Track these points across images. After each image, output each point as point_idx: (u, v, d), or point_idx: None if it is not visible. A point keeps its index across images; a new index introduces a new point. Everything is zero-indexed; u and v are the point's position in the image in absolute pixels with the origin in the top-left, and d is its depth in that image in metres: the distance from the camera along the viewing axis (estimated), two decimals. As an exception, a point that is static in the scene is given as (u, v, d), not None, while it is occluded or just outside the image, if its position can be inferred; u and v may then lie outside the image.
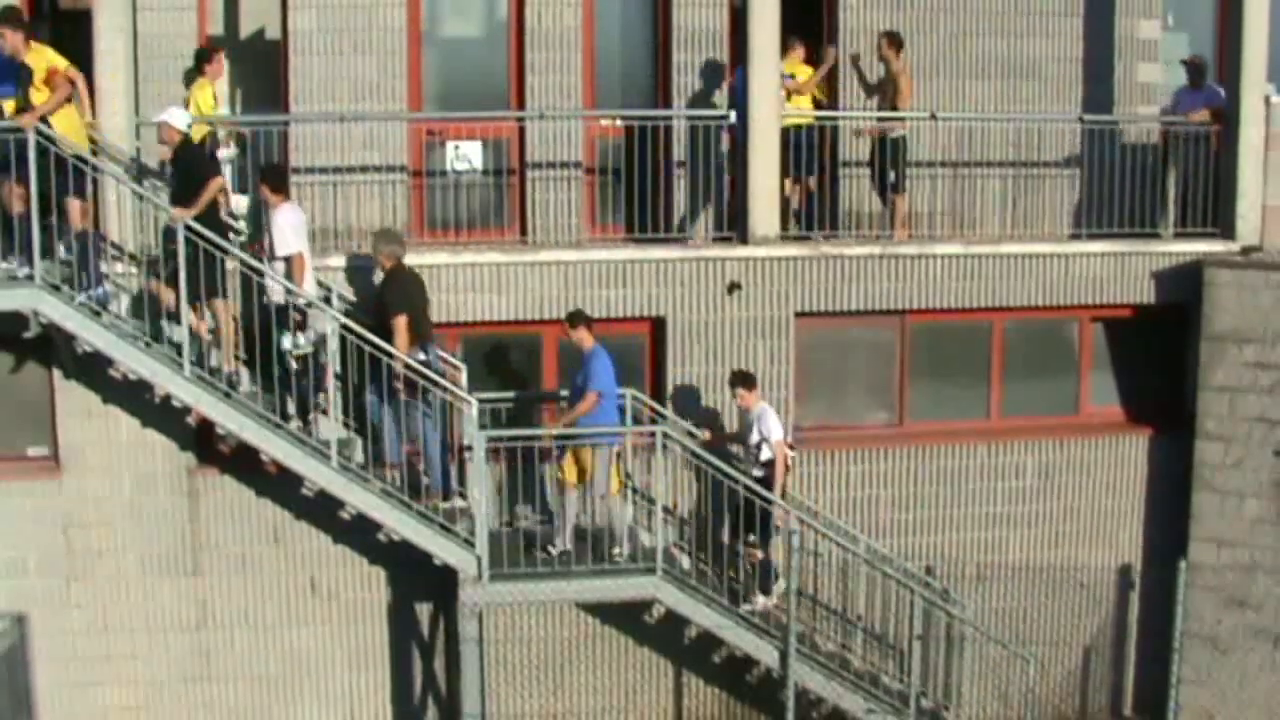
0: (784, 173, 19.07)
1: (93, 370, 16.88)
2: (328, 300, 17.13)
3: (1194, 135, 20.28)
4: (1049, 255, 19.59)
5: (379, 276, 17.17)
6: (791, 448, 17.81)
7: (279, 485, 17.23)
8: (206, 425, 16.84)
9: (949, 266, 19.20)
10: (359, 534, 17.31)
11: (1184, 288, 19.66)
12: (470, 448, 16.53)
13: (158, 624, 17.95)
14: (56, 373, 17.32)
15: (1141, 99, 21.35)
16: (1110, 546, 20.18)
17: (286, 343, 16.46)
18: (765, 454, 17.46)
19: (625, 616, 18.04)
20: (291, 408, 16.76)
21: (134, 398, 16.98)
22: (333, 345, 16.47)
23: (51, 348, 16.94)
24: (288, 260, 16.65)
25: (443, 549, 16.68)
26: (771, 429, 17.45)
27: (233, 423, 16.41)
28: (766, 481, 17.36)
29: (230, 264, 16.57)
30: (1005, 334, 19.87)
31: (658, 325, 18.64)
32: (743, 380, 17.74)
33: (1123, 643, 20.20)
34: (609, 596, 17.27)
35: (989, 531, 19.70)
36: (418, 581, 17.85)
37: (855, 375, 19.77)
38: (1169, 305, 19.98)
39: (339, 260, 17.91)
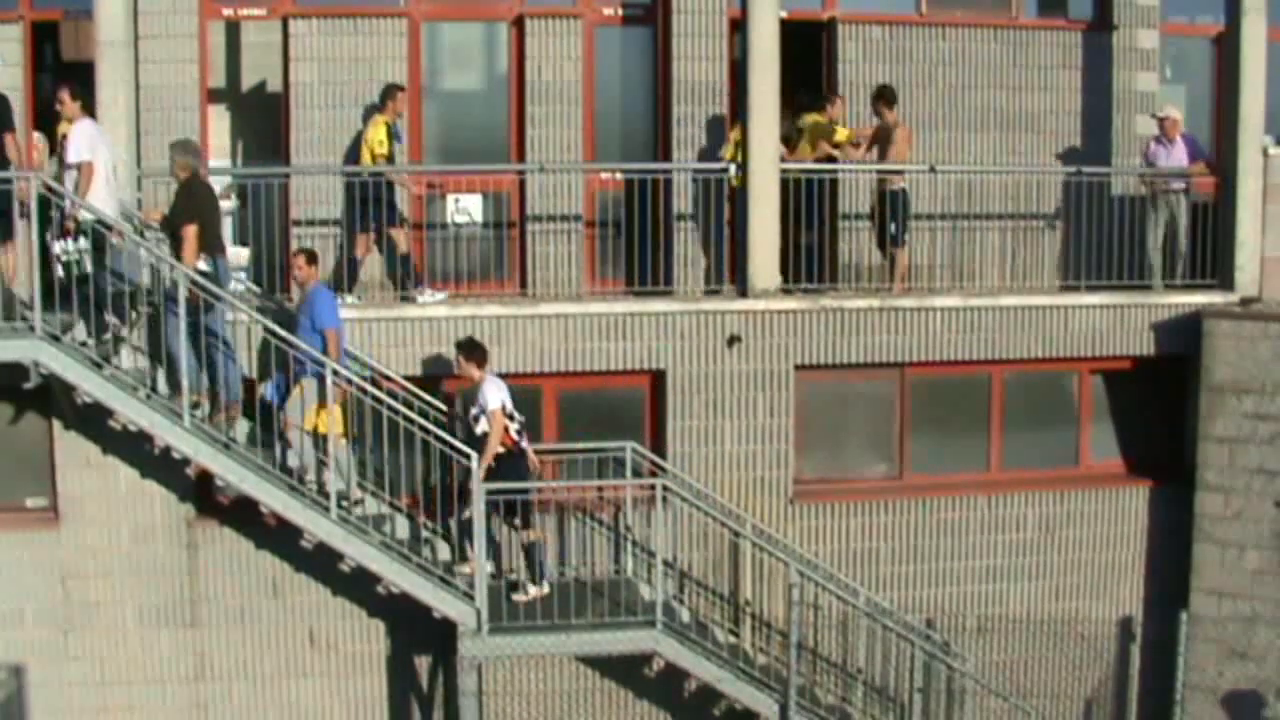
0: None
1: (92, 421, 16.86)
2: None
3: (1186, 186, 20.38)
4: (1048, 307, 19.61)
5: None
6: (511, 418, 17.16)
7: (278, 537, 17.17)
8: (205, 476, 16.85)
9: (948, 319, 19.23)
10: (358, 586, 17.26)
11: (1183, 339, 19.68)
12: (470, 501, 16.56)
13: (155, 676, 17.88)
14: (56, 423, 17.32)
15: (1140, 151, 21.43)
16: (1111, 599, 20.14)
17: (56, 248, 16.20)
18: (482, 426, 16.97)
19: (625, 670, 17.96)
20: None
21: (133, 448, 16.96)
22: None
23: (51, 398, 16.93)
24: (78, 169, 16.52)
25: (442, 602, 16.64)
26: (489, 398, 16.92)
27: (233, 474, 16.38)
28: (504, 459, 16.97)
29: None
30: (1005, 386, 19.88)
31: (658, 378, 18.64)
32: (468, 351, 17.18)
33: (1124, 695, 20.13)
34: (608, 650, 17.21)
35: (989, 584, 19.66)
36: (417, 634, 17.79)
37: (855, 428, 19.77)
38: (1168, 357, 19.99)
39: (341, 313, 17.89)
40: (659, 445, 18.59)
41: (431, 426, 16.40)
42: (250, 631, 18.01)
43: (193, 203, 16.76)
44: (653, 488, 17.12)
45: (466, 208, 19.60)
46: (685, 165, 19.58)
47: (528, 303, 18.63)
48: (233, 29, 20.24)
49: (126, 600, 17.72)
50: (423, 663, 18.32)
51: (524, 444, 17.22)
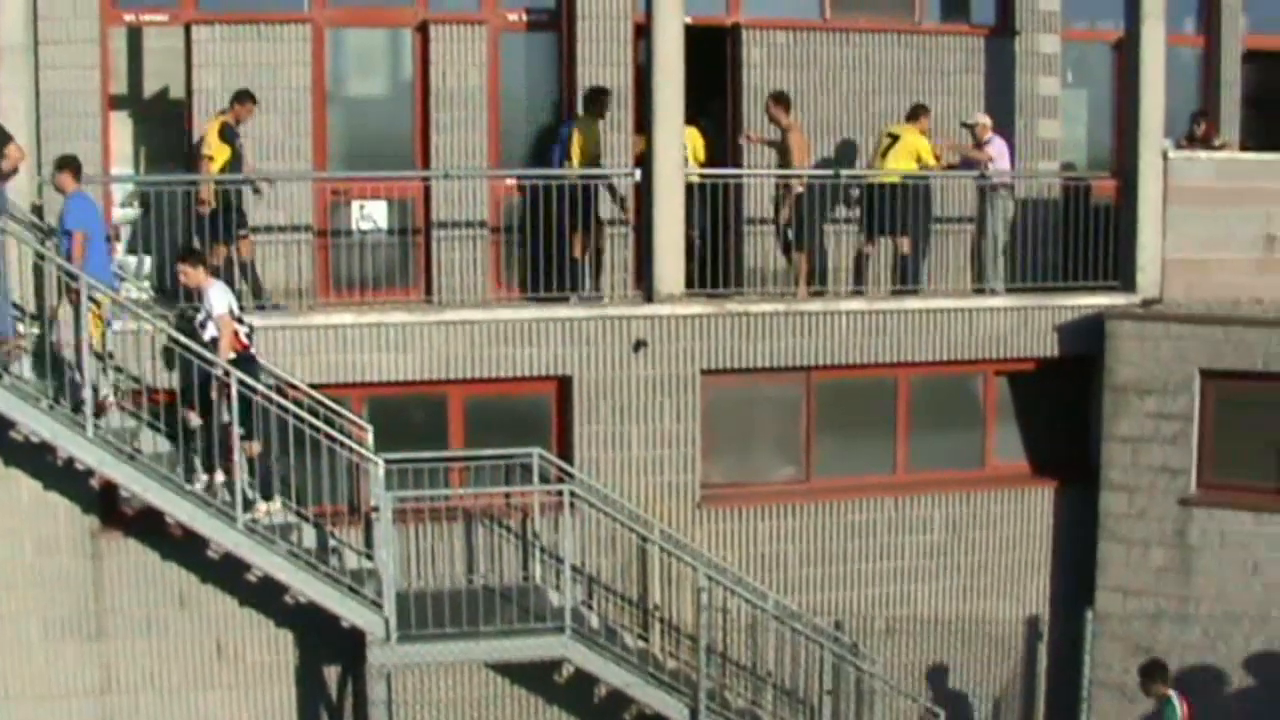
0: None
1: (-7, 432, 16.69)
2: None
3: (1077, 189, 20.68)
4: (952, 310, 19.77)
5: None
6: (240, 321, 16.90)
7: (184, 547, 17.00)
8: (110, 487, 16.66)
9: (853, 323, 19.33)
10: (266, 596, 17.12)
11: (1086, 340, 19.90)
12: (377, 508, 16.47)
13: (60, 690, 17.66)
14: (-44, 436, 17.13)
15: (1042, 155, 21.63)
16: (1018, 598, 20.32)
17: None
18: (210, 331, 16.65)
19: (535, 676, 17.92)
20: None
21: (36, 460, 16.75)
22: None
23: (-49, 411, 16.73)
24: None
25: (350, 611, 16.56)
26: (214, 302, 16.57)
27: (136, 485, 16.23)
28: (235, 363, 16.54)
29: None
30: (910, 389, 20.01)
31: (564, 384, 18.65)
32: (186, 257, 16.91)
33: (1032, 693, 20.30)
34: (518, 657, 17.17)
35: (897, 585, 19.79)
36: (326, 644, 17.68)
37: (762, 432, 19.85)
38: (1072, 358, 20.19)
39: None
40: (566, 451, 18.58)
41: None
42: (157, 643, 17.84)
43: None
44: (560, 494, 17.11)
45: (371, 214, 19.51)
46: (589, 171, 19.47)
47: (433, 309, 18.61)
48: (135, 34, 20.00)
49: (30, 613, 17.49)
50: (332, 672, 18.23)
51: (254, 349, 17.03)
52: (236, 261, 18.47)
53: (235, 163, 18.42)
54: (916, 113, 20.40)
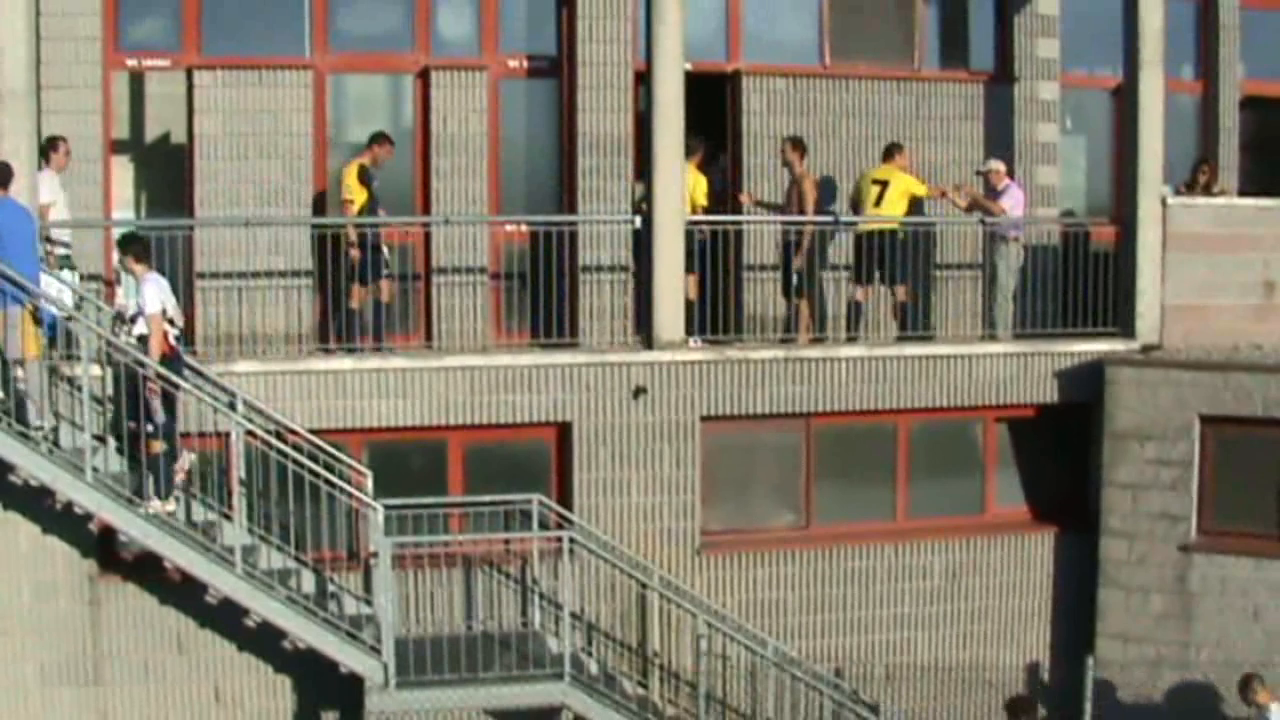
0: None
1: (-10, 477, 16.66)
2: None
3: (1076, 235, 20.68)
4: (952, 356, 19.78)
5: None
6: (171, 323, 16.63)
7: (183, 592, 16.95)
8: (109, 531, 16.64)
9: (853, 369, 19.34)
10: (264, 641, 17.05)
11: (1086, 387, 19.91)
12: (376, 554, 16.45)
13: (58, 735, 17.65)
14: (-46, 480, 17.10)
15: (1041, 201, 21.67)
16: (1018, 645, 20.27)
17: None
18: (140, 328, 16.45)
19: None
20: None
21: (35, 504, 16.71)
22: None
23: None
24: None
25: (349, 656, 16.50)
26: (148, 300, 16.25)
27: (136, 529, 16.19)
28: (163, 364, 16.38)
29: None
30: (910, 435, 20.01)
31: (564, 430, 18.66)
32: (127, 246, 16.71)
33: (1031, 741, 20.23)
34: (517, 703, 17.06)
35: (897, 632, 19.74)
36: (324, 690, 17.58)
37: (761, 478, 19.87)
38: (1072, 404, 20.19)
39: (245, 365, 17.79)
40: (565, 497, 18.57)
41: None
42: (155, 689, 17.76)
43: None
44: (559, 540, 17.09)
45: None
46: (590, 217, 19.61)
47: (433, 355, 18.61)
48: (136, 79, 20.10)
49: (27, 658, 17.41)
50: (330, 718, 18.15)
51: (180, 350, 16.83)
52: (373, 302, 18.79)
53: (372, 204, 18.69)
54: (891, 152, 20.45)
